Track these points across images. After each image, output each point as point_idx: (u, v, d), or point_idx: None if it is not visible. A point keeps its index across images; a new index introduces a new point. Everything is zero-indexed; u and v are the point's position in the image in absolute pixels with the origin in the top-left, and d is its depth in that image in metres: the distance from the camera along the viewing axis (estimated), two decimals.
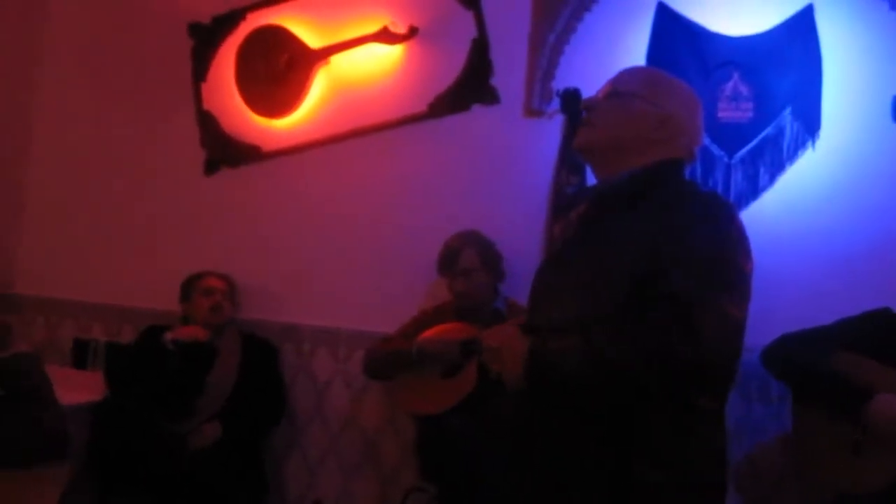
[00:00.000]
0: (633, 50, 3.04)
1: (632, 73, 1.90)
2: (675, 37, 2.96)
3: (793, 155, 2.85)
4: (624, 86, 1.81)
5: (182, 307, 3.42)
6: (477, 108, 3.27)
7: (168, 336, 3.16)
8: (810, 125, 2.82)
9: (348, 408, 3.45)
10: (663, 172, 1.76)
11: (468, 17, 3.29)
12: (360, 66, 3.49)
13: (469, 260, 2.93)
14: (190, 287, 3.40)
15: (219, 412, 3.14)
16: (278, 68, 3.59)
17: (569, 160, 3.04)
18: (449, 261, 2.95)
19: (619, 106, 1.79)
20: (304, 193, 3.60)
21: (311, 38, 3.57)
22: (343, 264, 3.48)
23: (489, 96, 3.23)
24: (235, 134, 3.75)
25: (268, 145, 3.68)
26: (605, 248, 1.67)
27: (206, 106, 3.83)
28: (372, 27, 3.40)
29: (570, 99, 3.08)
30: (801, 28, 2.87)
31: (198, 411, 3.13)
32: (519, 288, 3.06)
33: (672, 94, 1.82)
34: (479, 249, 2.96)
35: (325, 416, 3.48)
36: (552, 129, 3.13)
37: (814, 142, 2.85)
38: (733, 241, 1.62)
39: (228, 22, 3.79)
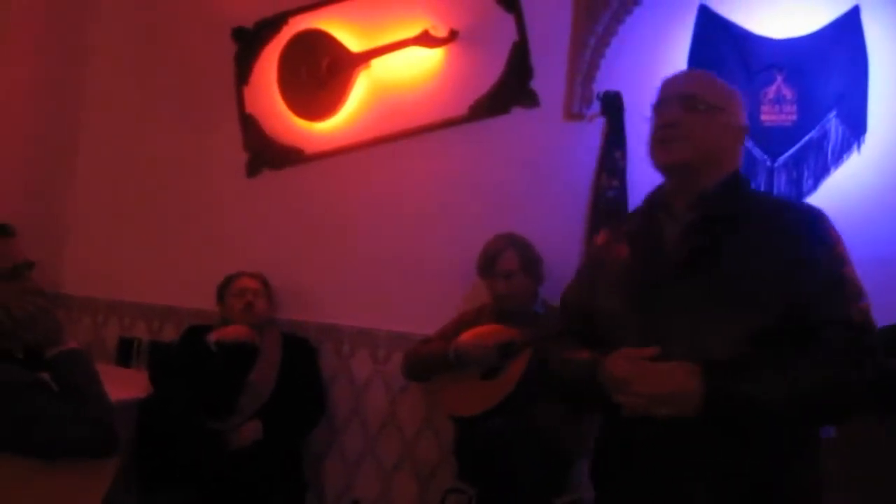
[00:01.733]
0: (675, 53, 3.02)
1: (704, 82, 1.87)
2: (718, 39, 2.94)
3: (838, 158, 2.81)
4: (703, 97, 1.80)
5: (218, 309, 3.47)
6: (517, 112, 3.27)
7: (212, 337, 3.21)
8: (856, 128, 2.78)
9: (387, 408, 3.47)
10: (743, 184, 1.86)
11: (509, 20, 3.29)
12: (400, 70, 3.51)
13: (509, 262, 2.93)
14: (224, 289, 3.46)
15: (259, 411, 3.18)
16: (320, 72, 3.62)
17: (609, 164, 3.02)
18: (489, 263, 2.96)
19: (709, 120, 1.79)
20: (344, 195, 3.63)
21: (353, 42, 3.60)
22: (383, 266, 3.50)
23: (529, 99, 3.24)
24: (277, 137, 3.80)
25: (309, 148, 3.72)
26: (737, 271, 1.67)
27: (248, 109, 3.88)
28: (412, 31, 3.42)
29: (611, 102, 3.07)
30: (846, 29, 2.82)
31: (239, 410, 3.16)
32: (557, 291, 3.05)
33: (740, 104, 1.88)
34: (519, 252, 2.96)
35: (363, 417, 3.51)
36: (592, 132, 3.12)
37: (859, 145, 2.81)
38: (846, 252, 1.73)
39: (271, 26, 3.84)
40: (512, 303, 2.95)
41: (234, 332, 3.26)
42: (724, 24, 2.95)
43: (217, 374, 3.16)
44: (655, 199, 1.89)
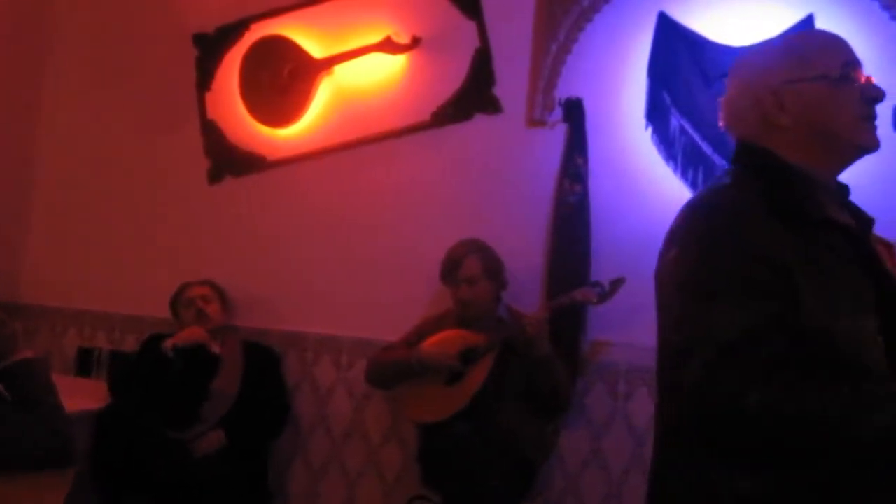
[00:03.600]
0: (635, 59, 3.06)
1: None
2: (677, 46, 2.98)
3: None
4: None
5: (175, 324, 3.45)
6: (479, 118, 3.29)
7: (167, 343, 3.18)
8: None
9: (351, 415, 3.46)
10: None
11: (471, 27, 3.31)
12: (363, 76, 3.51)
13: (471, 268, 2.94)
14: (175, 304, 3.44)
15: (222, 420, 3.15)
16: (282, 78, 3.61)
17: (571, 169, 3.05)
18: (451, 269, 2.96)
19: None
20: (307, 202, 3.61)
21: (315, 48, 3.60)
22: (346, 273, 3.49)
23: (492, 106, 3.25)
24: (239, 143, 3.78)
25: (272, 154, 3.70)
26: None
27: (210, 115, 3.85)
28: (375, 37, 3.42)
29: (573, 108, 3.10)
30: None
31: (202, 419, 3.13)
32: (520, 296, 3.09)
33: None
34: (482, 258, 2.96)
35: (328, 424, 3.49)
36: (555, 138, 3.15)
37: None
38: None
39: (232, 32, 3.81)
40: (475, 309, 2.95)
41: (188, 334, 3.24)
42: (682, 32, 2.99)
43: (177, 383, 3.13)
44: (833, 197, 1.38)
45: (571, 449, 3.09)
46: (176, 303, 3.43)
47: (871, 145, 1.36)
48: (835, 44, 1.38)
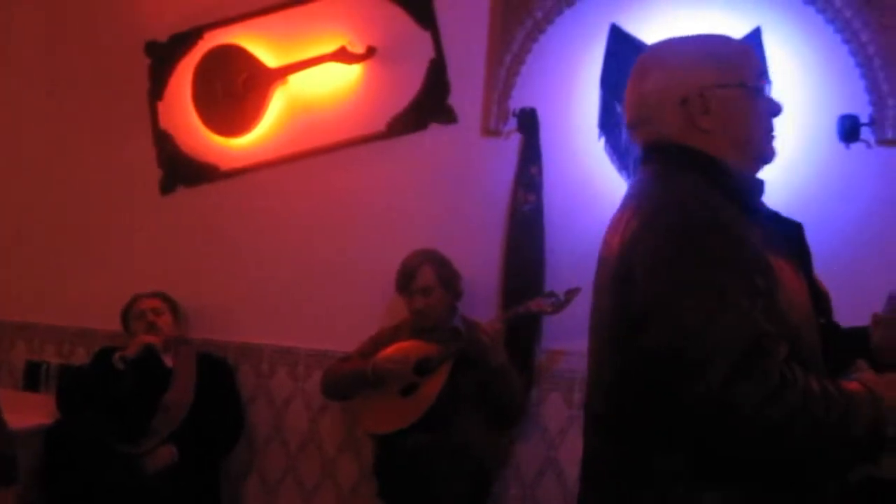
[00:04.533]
0: (588, 70, 3.09)
1: None
2: (628, 58, 3.00)
3: None
4: None
5: (126, 338, 3.39)
6: (435, 128, 3.29)
7: (116, 355, 3.12)
8: None
9: (307, 427, 3.43)
10: None
11: (426, 38, 3.31)
12: (318, 86, 3.49)
13: (426, 278, 2.94)
14: (126, 316, 3.39)
15: (175, 433, 3.11)
16: (236, 87, 3.58)
17: (525, 179, 3.07)
18: (406, 279, 2.96)
19: None
20: (262, 212, 3.58)
21: (269, 57, 3.57)
22: (302, 283, 3.47)
23: (447, 116, 3.26)
24: (193, 153, 3.73)
25: (225, 164, 3.66)
26: None
27: (162, 125, 3.80)
28: (330, 47, 3.41)
29: (527, 118, 3.12)
30: None
31: (153, 433, 3.09)
32: (476, 306, 3.09)
33: None
34: (437, 267, 2.96)
35: (283, 437, 3.46)
36: (509, 148, 3.16)
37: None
38: None
39: (186, 41, 3.77)
40: (430, 319, 2.95)
41: (137, 344, 3.18)
42: (634, 44, 3.03)
43: (128, 396, 3.07)
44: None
45: (527, 458, 3.09)
46: (127, 315, 3.38)
47: (771, 156, 1.41)
48: (751, 53, 1.42)
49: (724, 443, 1.17)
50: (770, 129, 1.38)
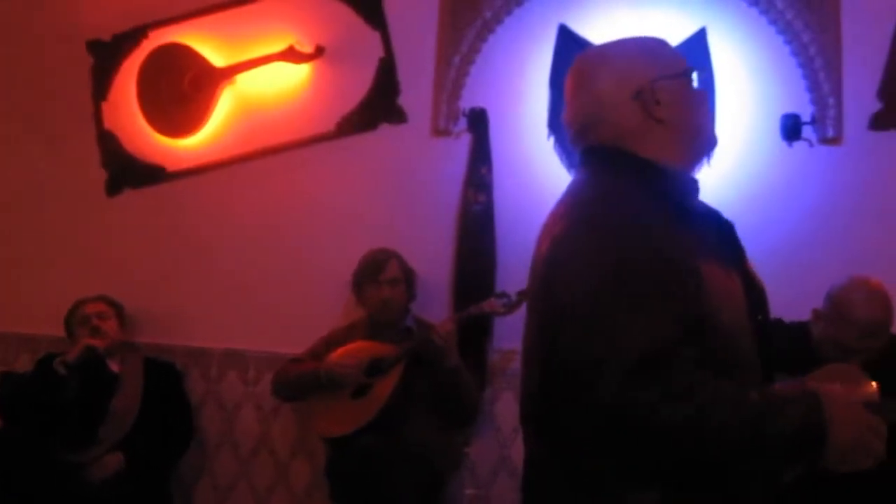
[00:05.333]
0: (537, 71, 3.11)
1: None
2: None
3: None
4: None
5: (71, 344, 3.30)
6: (384, 128, 3.28)
7: (57, 360, 3.05)
8: None
9: (259, 431, 3.39)
10: None
11: (375, 37, 3.30)
12: (266, 85, 3.46)
13: (394, 270, 2.95)
14: (70, 322, 3.30)
15: (122, 441, 3.04)
16: (182, 87, 3.52)
17: (475, 179, 3.08)
18: (374, 270, 2.94)
19: None
20: (210, 214, 3.53)
21: (216, 56, 3.52)
22: (251, 285, 3.42)
23: (397, 115, 3.25)
24: (138, 154, 3.66)
25: (172, 165, 3.60)
26: None
27: (107, 125, 3.72)
28: (278, 46, 3.37)
29: (477, 118, 3.13)
30: (695, 50, 2.98)
31: (99, 441, 3.02)
32: (428, 306, 3.10)
33: None
34: (401, 264, 2.99)
35: (235, 441, 3.42)
36: (459, 148, 3.17)
37: (709, 159, 2.95)
38: None
39: (130, 40, 3.69)
40: (392, 311, 2.95)
41: (79, 348, 3.10)
42: (582, 44, 3.05)
43: (73, 403, 3.01)
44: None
45: (481, 457, 3.10)
46: (70, 321, 3.29)
47: (716, 141, 1.46)
48: (674, 48, 1.47)
49: (624, 446, 1.17)
50: (712, 113, 1.45)
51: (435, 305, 3.12)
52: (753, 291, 1.36)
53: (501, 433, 3.08)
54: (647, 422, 1.12)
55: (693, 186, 1.39)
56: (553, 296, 1.26)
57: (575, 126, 1.42)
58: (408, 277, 2.99)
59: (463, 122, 3.16)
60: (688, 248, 1.24)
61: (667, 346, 1.14)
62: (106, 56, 3.75)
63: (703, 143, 1.42)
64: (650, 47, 1.43)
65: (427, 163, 3.21)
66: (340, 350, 2.92)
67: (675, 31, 2.98)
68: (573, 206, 1.32)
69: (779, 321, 2.56)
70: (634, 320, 1.15)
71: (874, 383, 2.24)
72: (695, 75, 1.42)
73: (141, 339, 3.50)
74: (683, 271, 1.20)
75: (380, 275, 2.94)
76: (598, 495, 1.23)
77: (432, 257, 3.13)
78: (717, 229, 1.36)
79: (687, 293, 1.19)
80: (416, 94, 3.24)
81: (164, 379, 3.30)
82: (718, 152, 3.07)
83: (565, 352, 1.20)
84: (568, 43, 3.07)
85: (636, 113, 1.35)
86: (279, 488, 3.34)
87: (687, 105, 1.38)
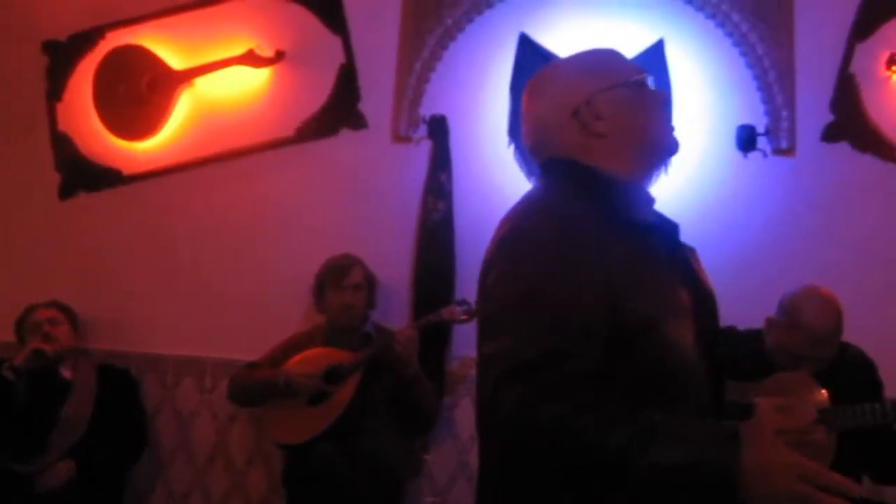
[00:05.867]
0: (497, 78, 3.12)
1: None
2: (537, 66, 2.99)
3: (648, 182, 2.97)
4: None
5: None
6: (345, 133, 3.27)
7: (4, 365, 2.98)
8: None
9: (215, 439, 3.35)
10: None
11: (336, 43, 3.29)
12: (225, 89, 3.42)
13: (358, 276, 2.94)
14: (20, 328, 3.23)
15: (73, 450, 2.98)
16: (139, 89, 3.47)
17: (435, 186, 3.08)
18: (339, 274, 2.93)
19: None
20: (167, 218, 3.48)
21: (174, 59, 3.48)
22: (208, 291, 3.38)
23: (357, 121, 3.25)
24: (93, 157, 3.60)
25: (129, 169, 3.54)
26: None
27: (61, 127, 3.65)
28: (237, 50, 3.35)
29: (437, 125, 3.13)
30: (652, 61, 3.02)
31: (49, 449, 2.96)
32: (387, 313, 3.09)
33: None
34: (364, 270, 2.98)
35: (190, 449, 3.37)
36: (419, 155, 3.17)
37: (666, 169, 2.99)
38: None
39: (86, 40, 3.63)
40: (354, 318, 2.94)
41: (27, 351, 3.03)
42: (542, 53, 3.08)
43: (22, 410, 2.94)
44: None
45: (439, 464, 3.10)
46: (21, 327, 3.22)
47: (675, 145, 1.42)
48: (623, 56, 1.46)
49: (495, 449, 1.22)
50: (665, 117, 1.42)
51: (394, 312, 3.11)
52: (702, 302, 1.36)
53: (460, 440, 3.08)
54: (504, 423, 1.15)
55: (644, 197, 1.39)
56: (481, 300, 1.33)
57: (527, 145, 1.45)
58: (370, 284, 2.99)
59: (423, 129, 3.17)
60: (621, 263, 1.24)
61: (554, 354, 1.15)
62: (61, 56, 3.68)
63: (653, 149, 1.40)
64: (590, 62, 1.44)
65: (387, 169, 3.21)
66: (299, 356, 2.90)
67: (633, 42, 3.02)
68: (514, 215, 1.34)
69: (733, 329, 2.60)
70: (525, 329, 1.18)
71: (824, 391, 2.29)
72: (650, 80, 1.40)
73: (95, 345, 3.43)
74: (600, 283, 1.21)
75: (344, 280, 2.92)
76: (520, 499, 1.25)
77: (391, 264, 3.12)
78: (668, 240, 1.37)
79: (598, 309, 1.20)
80: (376, 100, 3.24)
81: (118, 385, 3.25)
82: (675, 162, 3.15)
83: (478, 356, 1.27)
84: (528, 51, 3.09)
85: (576, 131, 1.36)
86: (235, 496, 3.30)
87: (632, 113, 1.37)
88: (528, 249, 1.24)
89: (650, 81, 1.41)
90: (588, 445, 1.12)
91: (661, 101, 1.42)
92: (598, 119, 1.35)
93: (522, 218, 1.31)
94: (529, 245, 1.24)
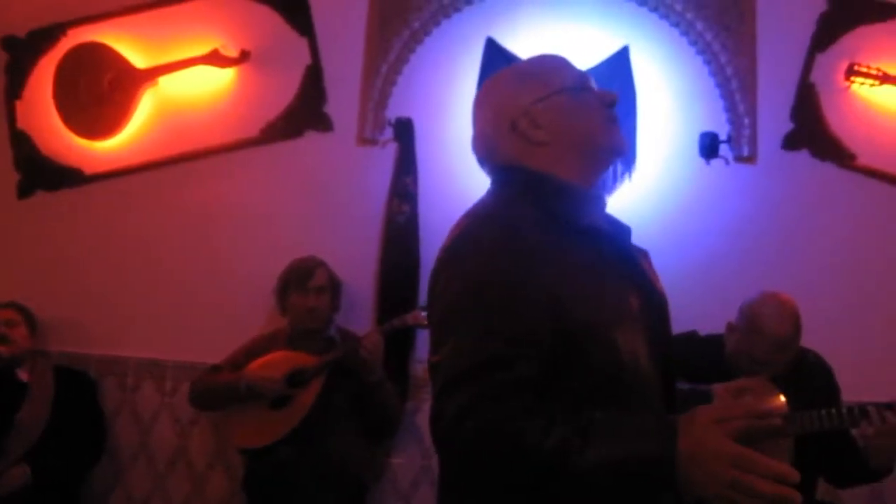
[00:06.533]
0: (464, 82, 3.12)
1: None
2: None
3: (611, 188, 3.00)
4: None
5: None
6: (310, 135, 3.26)
7: None
8: (627, 160, 2.99)
9: (175, 443, 3.30)
10: None
11: (302, 44, 3.27)
12: (189, 89, 3.39)
13: (323, 278, 2.92)
14: None
15: (30, 452, 2.93)
16: (101, 88, 3.42)
17: (400, 189, 3.07)
18: (303, 277, 2.91)
19: None
20: (128, 218, 3.43)
21: (138, 57, 3.44)
22: (170, 293, 3.34)
23: (322, 123, 3.23)
24: (54, 155, 3.54)
25: (90, 168, 3.49)
26: None
27: (20, 125, 3.58)
28: (202, 49, 3.31)
29: (403, 128, 3.13)
30: (618, 67, 3.05)
31: (4, 453, 2.90)
32: (351, 316, 3.08)
33: None
34: (329, 273, 2.97)
35: (150, 453, 3.32)
36: (385, 157, 3.16)
37: (630, 174, 3.03)
38: None
39: (47, 37, 3.57)
40: (318, 321, 2.92)
41: None
42: (509, 57, 3.08)
43: None
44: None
45: (403, 468, 3.09)
46: None
47: (620, 145, 1.42)
48: (563, 62, 1.45)
49: (444, 455, 1.24)
50: (607, 117, 1.41)
51: (358, 315, 3.10)
52: (654, 306, 1.37)
53: (423, 444, 3.07)
54: (451, 431, 1.16)
55: (593, 201, 1.39)
56: (429, 307, 1.33)
57: (476, 155, 1.45)
58: (334, 286, 2.97)
59: (389, 132, 3.16)
60: (566, 269, 1.25)
61: (490, 362, 1.16)
62: (21, 53, 3.61)
63: (597, 151, 1.39)
64: (524, 72, 1.44)
65: (352, 171, 3.20)
66: (261, 360, 2.88)
67: (599, 48, 3.05)
68: (462, 223, 1.34)
69: (693, 334, 2.63)
70: (469, 337, 1.19)
71: (782, 396, 2.31)
72: (591, 82, 1.41)
73: (54, 347, 3.37)
74: (541, 291, 1.21)
75: (308, 282, 2.90)
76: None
77: (356, 267, 3.11)
78: (618, 244, 1.37)
79: (542, 315, 1.20)
80: (342, 102, 3.22)
81: (76, 388, 3.19)
82: (639, 167, 3.19)
83: (428, 365, 1.29)
84: (495, 56, 3.10)
85: (517, 142, 1.37)
86: (195, 501, 3.25)
87: (572, 119, 1.37)
88: (473, 258, 1.24)
89: (592, 83, 1.41)
90: (527, 449, 1.12)
91: (605, 102, 1.41)
92: (537, 128, 1.36)
93: (469, 226, 1.31)
94: (474, 253, 1.25)
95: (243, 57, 3.30)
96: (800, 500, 1.07)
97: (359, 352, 2.75)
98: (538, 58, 1.49)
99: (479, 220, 1.31)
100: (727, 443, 1.10)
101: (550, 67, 1.43)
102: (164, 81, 3.41)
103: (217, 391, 2.90)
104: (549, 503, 1.16)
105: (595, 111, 1.39)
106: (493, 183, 1.41)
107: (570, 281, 1.24)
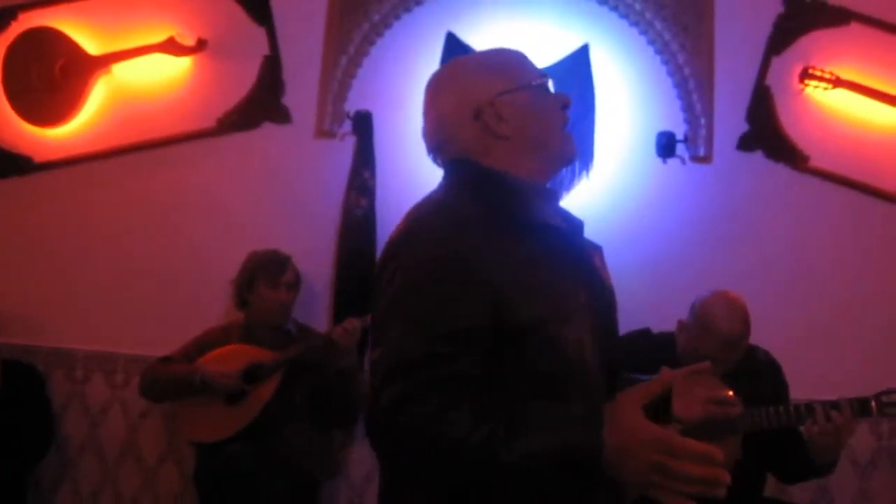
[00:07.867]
0: (424, 76, 3.06)
1: None
2: None
3: (569, 185, 3.02)
4: None
5: None
6: (268, 127, 3.22)
7: None
8: (584, 158, 3.01)
9: (126, 436, 3.26)
10: None
11: (260, 34, 3.23)
12: (144, 77, 3.33)
13: (293, 274, 2.90)
14: None
15: None
16: (53, 74, 3.34)
17: (358, 183, 3.05)
18: (277, 271, 2.86)
19: None
20: (79, 208, 3.37)
21: (91, 44, 3.36)
22: (121, 285, 3.28)
23: (280, 115, 3.20)
24: (2, 142, 3.45)
25: (39, 156, 3.41)
26: None
27: None
28: (158, 37, 3.26)
29: (362, 121, 3.11)
30: (577, 65, 3.06)
31: None
32: (308, 308, 3.05)
33: None
34: (295, 268, 2.94)
35: (99, 446, 3.27)
36: (344, 151, 3.14)
37: (588, 172, 3.04)
38: None
39: None
40: (285, 316, 2.91)
41: None
42: (469, 52, 3.07)
43: None
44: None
45: (357, 462, 3.08)
46: None
47: (571, 155, 1.44)
48: (525, 58, 1.45)
49: (378, 449, 1.23)
50: (563, 121, 1.42)
51: (314, 309, 3.08)
52: (602, 301, 1.38)
53: None
54: (383, 424, 1.17)
55: (545, 197, 1.39)
56: (373, 301, 1.32)
57: (427, 144, 1.43)
58: (298, 282, 2.95)
59: (347, 125, 3.14)
60: (513, 265, 1.24)
61: (429, 356, 1.16)
62: None
63: (552, 155, 1.40)
64: (492, 62, 1.43)
65: (310, 164, 3.18)
66: (215, 353, 2.84)
67: (559, 46, 3.06)
68: (410, 217, 1.34)
69: (646, 331, 2.65)
70: (408, 331, 1.19)
71: (731, 393, 2.34)
72: (550, 83, 1.41)
73: (1, 339, 3.29)
74: (484, 285, 1.21)
75: (280, 276, 2.87)
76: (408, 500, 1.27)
77: (312, 260, 3.08)
78: (570, 240, 1.37)
79: (484, 311, 1.20)
80: (300, 94, 3.19)
81: (23, 381, 3.13)
82: (597, 165, 3.20)
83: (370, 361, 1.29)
84: (455, 50, 3.08)
85: (478, 132, 1.36)
86: (146, 495, 3.21)
87: (534, 117, 1.37)
88: (417, 253, 1.24)
89: (551, 85, 1.42)
90: (454, 442, 1.12)
91: (561, 105, 1.42)
92: (500, 121, 1.35)
93: (416, 220, 1.31)
94: (418, 249, 1.24)
95: (200, 45, 3.25)
96: (728, 480, 1.08)
97: (331, 337, 2.72)
98: (500, 50, 1.48)
99: (426, 214, 1.31)
100: (653, 428, 1.12)
101: (515, 62, 1.42)
102: (118, 69, 3.35)
103: (170, 383, 2.85)
104: (483, 496, 1.17)
105: (554, 114, 1.40)
106: (445, 176, 1.40)
107: (517, 277, 1.24)
